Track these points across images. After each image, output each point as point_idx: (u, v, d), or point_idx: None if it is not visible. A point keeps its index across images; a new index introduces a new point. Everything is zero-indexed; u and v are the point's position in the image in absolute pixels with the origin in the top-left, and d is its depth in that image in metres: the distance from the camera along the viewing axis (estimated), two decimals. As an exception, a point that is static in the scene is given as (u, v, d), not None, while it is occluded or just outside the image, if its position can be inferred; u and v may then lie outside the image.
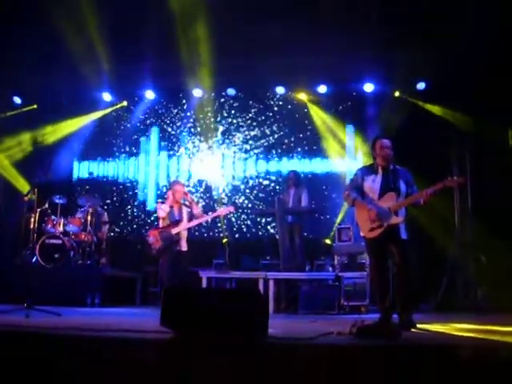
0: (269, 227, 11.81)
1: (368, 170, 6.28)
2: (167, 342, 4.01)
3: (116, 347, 4.03)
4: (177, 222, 8.29)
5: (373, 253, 6.25)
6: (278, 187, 11.94)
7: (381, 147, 6.10)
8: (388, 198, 6.01)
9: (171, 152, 12.78)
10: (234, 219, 11.90)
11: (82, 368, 3.94)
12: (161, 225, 8.42)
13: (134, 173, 12.91)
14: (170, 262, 8.18)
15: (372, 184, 6.13)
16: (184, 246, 8.32)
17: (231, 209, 8.97)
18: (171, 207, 8.39)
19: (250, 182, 12.28)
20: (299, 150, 12.17)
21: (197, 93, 12.30)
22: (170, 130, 12.82)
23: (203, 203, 11.89)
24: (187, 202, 8.49)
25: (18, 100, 12.55)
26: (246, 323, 4.05)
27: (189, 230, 8.51)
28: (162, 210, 8.35)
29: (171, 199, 8.42)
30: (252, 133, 12.46)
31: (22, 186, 11.56)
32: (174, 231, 8.23)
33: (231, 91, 12.33)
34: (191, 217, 8.44)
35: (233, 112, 12.57)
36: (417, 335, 5.13)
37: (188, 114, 12.76)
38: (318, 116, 12.06)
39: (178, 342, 4.03)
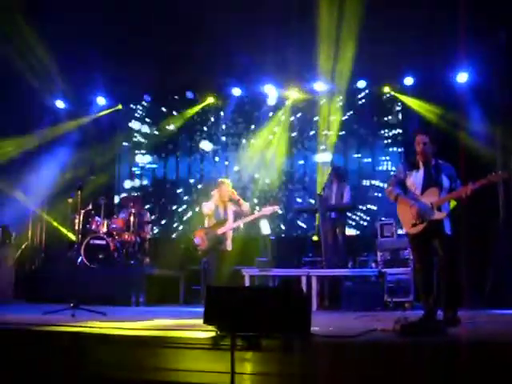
0: (311, 224, 11.75)
1: (410, 165, 6.23)
2: (211, 340, 4.03)
3: (160, 345, 4.07)
4: (223, 222, 8.28)
5: (416, 249, 6.20)
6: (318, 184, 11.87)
7: (417, 142, 6.05)
8: (430, 194, 5.94)
9: (210, 151, 12.80)
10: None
11: (128, 366, 3.99)
12: (206, 224, 8.43)
13: (176, 172, 12.98)
14: (215, 262, 8.22)
15: (414, 179, 6.09)
16: (229, 246, 8.32)
17: (276, 208, 8.89)
18: (216, 206, 8.38)
19: (290, 178, 12.24)
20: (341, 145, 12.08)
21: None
22: (206, 129, 12.87)
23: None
24: (234, 201, 8.46)
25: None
26: (290, 321, 4.04)
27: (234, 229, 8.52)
28: (207, 208, 8.35)
29: (217, 198, 8.40)
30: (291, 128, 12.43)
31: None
32: (220, 231, 8.22)
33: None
34: (237, 216, 8.43)
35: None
36: (461, 332, 5.05)
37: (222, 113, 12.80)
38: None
39: (222, 339, 4.04)
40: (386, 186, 6.51)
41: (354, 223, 11.38)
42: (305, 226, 11.79)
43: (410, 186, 6.12)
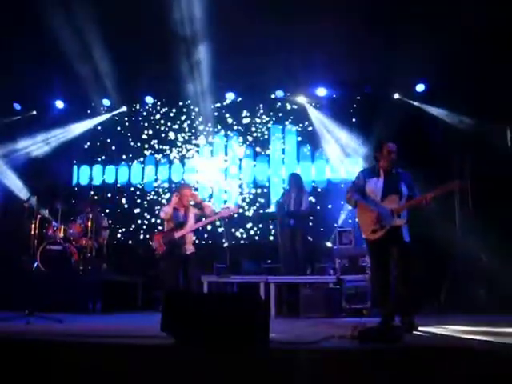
0: (269, 231, 11.79)
1: (370, 172, 6.30)
2: (167, 348, 4.00)
3: (116, 353, 4.02)
4: (181, 225, 8.08)
5: (374, 255, 6.26)
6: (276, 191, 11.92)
7: (388, 151, 6.12)
8: (390, 201, 6.03)
9: (170, 156, 12.77)
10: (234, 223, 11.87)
11: (83, 375, 3.93)
12: (165, 228, 8.30)
13: (132, 177, 12.90)
14: (172, 267, 8.01)
15: (374, 186, 6.15)
16: (189, 250, 8.09)
17: (235, 210, 8.78)
18: (176, 209, 8.18)
19: (247, 186, 12.28)
20: (301, 153, 12.16)
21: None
22: (167, 135, 12.84)
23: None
24: (197, 204, 8.27)
25: (17, 106, 12.60)
26: (247, 328, 4.03)
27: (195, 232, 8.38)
28: (164, 212, 8.18)
29: (176, 202, 8.18)
30: (250, 136, 12.48)
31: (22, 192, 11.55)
32: (177, 235, 8.03)
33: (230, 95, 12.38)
34: (200, 218, 8.27)
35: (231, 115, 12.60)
36: (418, 338, 5.12)
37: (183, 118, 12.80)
38: (318, 119, 12.05)
39: (179, 347, 4.01)
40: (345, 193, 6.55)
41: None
42: (270, 233, 11.80)
43: (370, 192, 6.18)
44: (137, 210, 12.63)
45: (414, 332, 5.49)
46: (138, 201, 12.71)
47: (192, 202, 8.26)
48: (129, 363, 3.88)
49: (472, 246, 9.24)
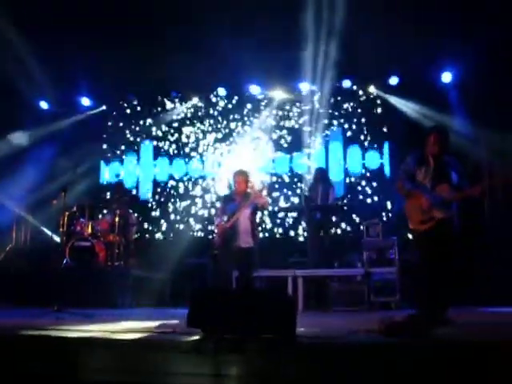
0: (297, 224, 11.76)
1: (419, 159, 6.05)
2: (194, 343, 4.00)
3: (144, 348, 4.04)
4: (233, 214, 7.74)
5: (422, 247, 5.98)
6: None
7: (433, 141, 5.85)
8: (441, 190, 5.79)
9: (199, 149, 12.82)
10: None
11: (111, 369, 3.95)
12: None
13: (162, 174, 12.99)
14: (224, 260, 7.81)
15: (425, 174, 5.92)
16: (245, 242, 7.68)
17: (266, 200, 8.24)
18: (229, 200, 7.99)
19: (276, 178, 12.24)
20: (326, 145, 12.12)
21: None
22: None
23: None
24: (254, 193, 7.88)
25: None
26: (274, 323, 4.02)
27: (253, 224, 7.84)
28: (219, 204, 8.15)
29: (233, 190, 8.04)
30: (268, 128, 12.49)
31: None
32: (229, 225, 7.73)
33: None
34: (255, 208, 7.88)
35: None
36: (448, 332, 5.03)
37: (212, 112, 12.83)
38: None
39: (206, 342, 4.01)
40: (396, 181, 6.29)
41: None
42: (297, 227, 11.77)
43: (421, 180, 5.95)
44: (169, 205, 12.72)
45: (445, 326, 5.37)
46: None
47: (249, 190, 7.91)
48: (155, 358, 3.89)
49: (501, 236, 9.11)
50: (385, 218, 11.00)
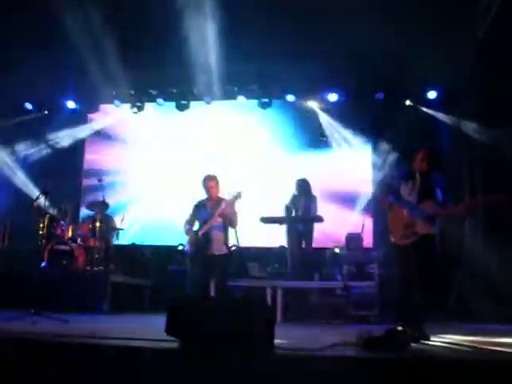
0: (277, 235, 11.71)
1: (406, 174, 6.14)
2: (172, 351, 3.98)
3: (120, 355, 4.01)
4: (205, 222, 7.66)
5: (401, 261, 6.00)
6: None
7: (422, 157, 5.95)
8: (425, 206, 5.83)
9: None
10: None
11: (85, 375, 3.92)
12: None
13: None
14: (197, 268, 7.63)
15: (410, 189, 5.98)
16: (218, 250, 7.61)
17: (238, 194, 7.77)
18: (203, 206, 7.83)
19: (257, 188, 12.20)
20: (309, 157, 12.09)
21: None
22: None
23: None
24: (225, 201, 7.69)
25: (29, 106, 12.64)
26: (252, 333, 4.01)
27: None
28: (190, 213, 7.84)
29: (205, 195, 7.83)
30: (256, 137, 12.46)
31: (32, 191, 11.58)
32: (201, 232, 7.65)
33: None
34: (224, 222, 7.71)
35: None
36: (424, 347, 5.06)
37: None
38: (330, 124, 12.03)
39: (183, 351, 3.99)
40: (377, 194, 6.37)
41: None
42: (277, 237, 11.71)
43: (405, 195, 6.01)
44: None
45: (423, 341, 5.40)
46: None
47: (221, 196, 7.80)
48: (132, 365, 3.87)
49: (481, 254, 9.16)
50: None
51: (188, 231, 7.84)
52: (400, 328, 5.52)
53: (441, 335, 5.89)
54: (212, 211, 7.68)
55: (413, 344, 4.61)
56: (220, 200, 7.76)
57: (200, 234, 7.64)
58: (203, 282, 7.73)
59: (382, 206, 6.30)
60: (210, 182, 7.85)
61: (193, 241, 7.70)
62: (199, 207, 7.91)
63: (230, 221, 7.72)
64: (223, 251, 7.67)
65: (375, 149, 11.55)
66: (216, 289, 7.96)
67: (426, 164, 5.96)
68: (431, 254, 5.80)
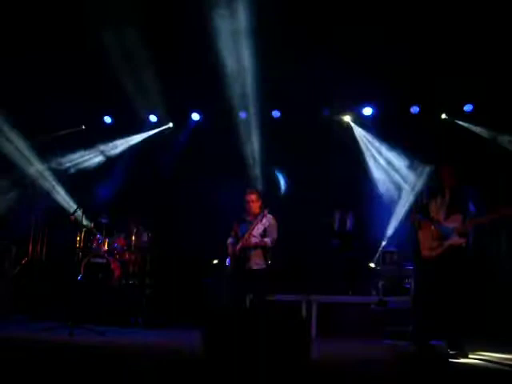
0: (313, 249, 11.66)
1: (434, 190, 6.21)
2: (207, 364, 3.98)
3: (156, 367, 4.03)
4: (243, 237, 7.50)
5: (426, 272, 6.08)
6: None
7: (444, 174, 6.06)
8: (453, 220, 5.90)
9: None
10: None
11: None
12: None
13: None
14: (236, 282, 7.52)
15: (439, 205, 6.06)
16: (256, 264, 7.46)
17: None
18: (243, 220, 7.69)
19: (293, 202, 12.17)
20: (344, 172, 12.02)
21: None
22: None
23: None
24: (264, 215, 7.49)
25: (66, 121, 12.78)
26: (288, 348, 3.99)
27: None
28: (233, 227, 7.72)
29: (247, 211, 7.67)
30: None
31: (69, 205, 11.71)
32: (237, 247, 7.51)
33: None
34: (264, 230, 7.52)
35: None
36: (462, 365, 4.97)
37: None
38: (364, 138, 11.96)
39: (217, 365, 3.99)
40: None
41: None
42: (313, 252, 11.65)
43: (433, 211, 6.08)
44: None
45: (460, 358, 5.31)
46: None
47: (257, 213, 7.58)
48: (168, 378, 3.89)
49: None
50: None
51: (228, 246, 7.81)
52: (437, 345, 5.49)
53: (479, 353, 5.80)
54: (250, 225, 7.55)
55: (450, 360, 4.53)
56: (260, 215, 7.57)
57: (237, 249, 7.55)
58: (240, 297, 7.69)
59: (413, 223, 6.34)
60: (250, 195, 7.71)
61: (232, 255, 7.69)
62: (240, 222, 7.80)
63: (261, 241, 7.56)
64: (261, 266, 7.55)
65: (410, 163, 11.45)
66: (253, 304, 7.91)
67: (453, 179, 6.02)
68: (459, 264, 5.83)
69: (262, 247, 7.54)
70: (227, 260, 7.80)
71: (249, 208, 7.69)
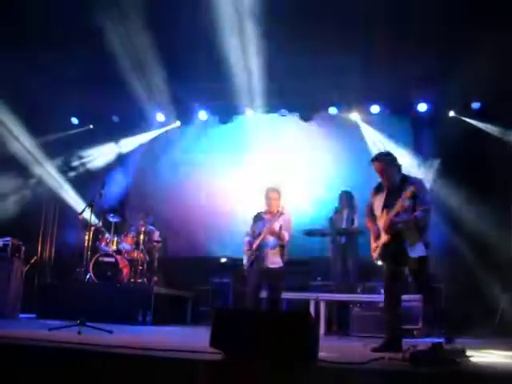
0: (320, 247, 11.63)
1: (378, 188, 6.12)
2: (216, 364, 3.98)
3: (164, 366, 4.03)
4: (259, 235, 7.58)
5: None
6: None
7: (376, 170, 5.98)
8: (383, 216, 5.85)
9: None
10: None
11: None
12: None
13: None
14: (251, 281, 7.56)
15: (379, 202, 5.99)
16: (272, 263, 7.54)
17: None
18: (260, 218, 7.74)
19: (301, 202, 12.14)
20: (353, 170, 11.98)
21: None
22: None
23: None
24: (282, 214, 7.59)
25: (75, 120, 12.83)
26: (297, 345, 3.98)
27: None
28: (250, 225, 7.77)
29: (264, 208, 7.73)
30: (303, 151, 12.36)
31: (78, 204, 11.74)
32: (255, 245, 7.57)
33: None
34: (280, 228, 7.59)
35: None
36: (471, 362, 4.95)
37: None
38: (370, 136, 11.92)
39: (227, 364, 3.99)
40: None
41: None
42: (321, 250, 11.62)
43: (376, 208, 6.02)
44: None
45: (467, 356, 5.28)
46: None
47: (280, 209, 7.62)
48: (176, 378, 3.88)
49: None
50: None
51: (245, 244, 7.81)
52: (446, 342, 5.46)
53: (487, 350, 5.78)
54: (267, 223, 7.59)
55: (459, 359, 4.50)
56: (278, 214, 7.62)
57: (254, 247, 7.58)
58: (254, 294, 7.67)
59: (368, 228, 6.27)
60: (272, 193, 7.74)
61: (249, 253, 7.68)
62: (257, 219, 7.84)
63: (278, 237, 7.62)
64: (277, 264, 7.59)
65: (417, 160, 11.40)
66: (268, 302, 7.91)
67: (383, 175, 5.91)
68: (408, 260, 5.74)
69: (280, 245, 7.61)
70: (244, 258, 7.79)
71: (269, 205, 7.73)
